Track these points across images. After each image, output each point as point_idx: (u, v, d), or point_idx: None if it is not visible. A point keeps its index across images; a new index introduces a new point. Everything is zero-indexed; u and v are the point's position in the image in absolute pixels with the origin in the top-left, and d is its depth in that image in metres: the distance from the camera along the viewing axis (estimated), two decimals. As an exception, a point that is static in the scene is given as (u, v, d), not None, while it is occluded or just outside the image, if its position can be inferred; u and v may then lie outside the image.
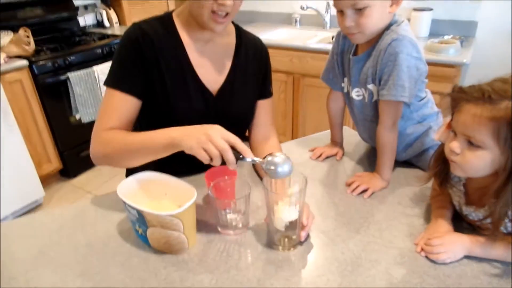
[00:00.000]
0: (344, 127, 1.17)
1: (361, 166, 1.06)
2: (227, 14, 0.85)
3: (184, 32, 0.94)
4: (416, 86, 0.89)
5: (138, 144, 0.83)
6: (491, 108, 0.59)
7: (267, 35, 2.69)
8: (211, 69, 0.97)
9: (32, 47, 2.35)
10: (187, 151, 0.73)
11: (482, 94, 0.61)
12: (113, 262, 0.74)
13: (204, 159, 0.71)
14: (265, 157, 0.74)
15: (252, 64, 1.02)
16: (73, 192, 2.53)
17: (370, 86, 0.93)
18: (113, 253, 0.76)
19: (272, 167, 0.71)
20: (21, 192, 2.22)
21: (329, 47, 2.33)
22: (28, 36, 2.37)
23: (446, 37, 2.18)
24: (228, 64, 0.99)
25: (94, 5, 3.12)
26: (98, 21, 3.12)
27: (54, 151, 2.48)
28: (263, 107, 1.07)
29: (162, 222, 0.71)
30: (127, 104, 0.89)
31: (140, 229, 0.75)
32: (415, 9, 2.36)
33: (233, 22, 1.02)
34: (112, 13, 3.05)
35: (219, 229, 0.81)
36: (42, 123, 2.37)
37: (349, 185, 0.95)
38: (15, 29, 2.41)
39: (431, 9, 2.33)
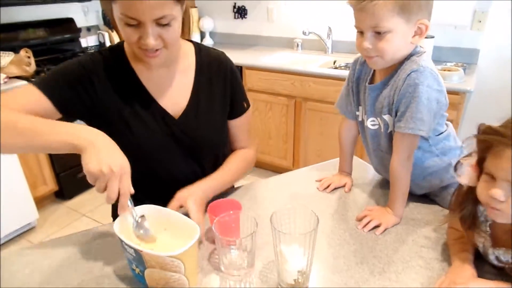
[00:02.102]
0: (354, 157, 1.13)
1: (372, 199, 1.01)
2: (157, 49, 0.81)
3: (134, 60, 0.91)
4: (435, 119, 0.86)
5: (29, 127, 0.73)
6: None
7: (269, 59, 2.70)
8: (170, 93, 0.94)
9: (32, 67, 2.34)
10: (84, 170, 0.68)
11: None
12: (108, 305, 0.68)
13: (98, 190, 0.68)
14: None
15: (217, 83, 0.98)
16: (67, 215, 2.46)
17: (386, 117, 0.90)
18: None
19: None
20: (14, 215, 2.15)
21: (330, 71, 2.37)
22: (29, 57, 2.37)
23: (448, 64, 2.18)
24: (189, 86, 0.95)
25: (97, 27, 3.13)
26: (100, 42, 3.12)
27: (50, 173, 2.42)
28: (237, 126, 1.05)
29: (161, 263, 0.65)
30: (39, 102, 0.82)
31: (137, 268, 0.70)
32: (417, 36, 2.37)
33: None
34: (114, 35, 3.06)
35: (222, 268, 0.75)
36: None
37: (359, 220, 0.90)
38: (16, 50, 2.41)
39: (432, 37, 2.34)
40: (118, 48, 0.92)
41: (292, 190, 1.06)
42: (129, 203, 0.71)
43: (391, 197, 0.90)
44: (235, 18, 3.20)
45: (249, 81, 2.63)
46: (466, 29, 2.31)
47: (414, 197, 0.97)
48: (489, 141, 0.60)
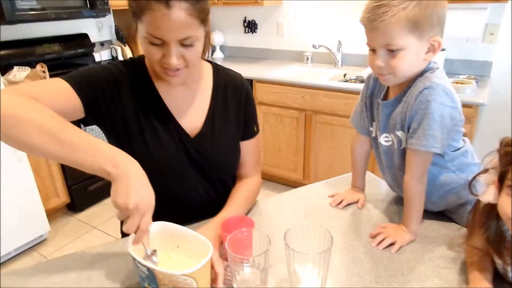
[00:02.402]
0: (367, 172, 1.12)
1: (386, 215, 0.99)
2: (178, 68, 0.81)
3: (155, 76, 0.91)
4: (449, 136, 0.84)
5: (70, 140, 0.67)
6: None
7: (279, 72, 2.71)
8: (188, 112, 0.94)
9: (47, 82, 2.39)
10: (111, 196, 0.66)
11: None
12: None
13: (118, 217, 0.67)
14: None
15: (233, 105, 0.99)
16: (79, 228, 2.47)
17: (399, 133, 0.89)
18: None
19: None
20: (26, 227, 2.17)
21: (340, 85, 2.37)
22: (44, 71, 2.42)
23: (460, 77, 2.16)
24: (205, 106, 0.96)
25: (110, 42, 3.20)
26: (113, 57, 3.18)
27: (62, 185, 2.45)
28: (245, 148, 1.03)
29: (174, 282, 0.65)
30: (69, 100, 0.79)
31: (149, 286, 0.69)
32: (428, 49, 2.36)
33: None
34: (127, 49, 3.12)
35: (235, 286, 0.74)
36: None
37: (373, 237, 0.89)
38: (32, 65, 2.47)
39: (444, 49, 2.33)
40: (139, 62, 0.92)
41: (304, 205, 1.05)
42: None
43: (405, 214, 0.89)
44: (245, 32, 3.24)
45: (260, 94, 2.64)
46: (477, 42, 2.29)
47: (429, 214, 0.95)
48: (508, 154, 0.59)
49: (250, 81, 2.64)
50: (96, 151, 0.68)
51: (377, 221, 0.97)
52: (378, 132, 0.95)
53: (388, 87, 0.93)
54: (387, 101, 0.91)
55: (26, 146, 0.66)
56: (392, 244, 0.86)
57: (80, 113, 0.83)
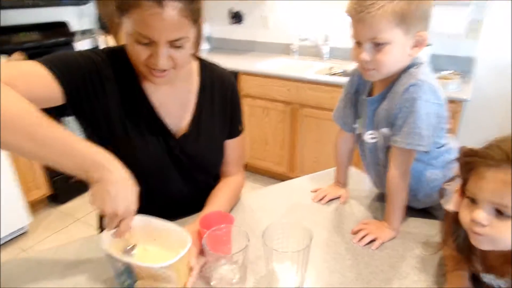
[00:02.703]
0: (351, 167, 1.11)
1: (369, 211, 0.99)
2: (165, 69, 0.77)
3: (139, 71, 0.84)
4: (435, 133, 0.83)
5: (46, 135, 0.61)
6: None
7: (265, 65, 2.68)
8: (173, 110, 0.89)
9: (25, 71, 2.31)
10: (92, 195, 0.64)
11: (507, 157, 0.54)
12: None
13: (108, 227, 0.66)
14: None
15: (219, 103, 0.95)
16: (61, 219, 2.42)
17: (385, 130, 0.88)
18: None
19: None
20: (6, 219, 2.11)
21: (326, 78, 2.36)
22: (23, 59, 2.33)
23: (445, 72, 2.17)
24: (191, 106, 0.92)
25: (91, 31, 3.11)
26: (95, 46, 3.10)
27: (44, 177, 2.39)
28: (230, 147, 1.01)
29: (153, 275, 0.63)
30: (48, 86, 0.72)
31: (126, 281, 0.67)
32: (414, 44, 2.37)
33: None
34: (110, 39, 3.03)
35: (213, 283, 0.73)
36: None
37: (355, 233, 0.88)
38: (10, 53, 2.38)
39: (429, 44, 2.34)
40: (122, 53, 0.83)
41: (287, 201, 1.04)
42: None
43: (387, 210, 0.89)
44: (231, 23, 3.19)
45: (246, 86, 2.61)
46: (461, 38, 2.31)
47: (413, 210, 0.95)
48: (471, 163, 0.58)
49: (236, 74, 2.60)
50: (74, 151, 0.63)
51: (360, 217, 0.96)
52: (364, 130, 0.94)
53: (372, 84, 0.92)
54: (372, 97, 0.90)
55: None
56: (373, 240, 0.85)
57: (58, 101, 0.75)
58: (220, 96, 0.96)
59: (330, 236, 0.89)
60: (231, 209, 0.99)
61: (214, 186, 0.99)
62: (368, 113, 0.91)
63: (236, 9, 3.12)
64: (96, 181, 0.63)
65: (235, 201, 1.02)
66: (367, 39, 0.78)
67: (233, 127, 1.00)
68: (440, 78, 2.02)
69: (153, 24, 0.70)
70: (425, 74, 0.81)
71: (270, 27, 3.02)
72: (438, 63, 2.38)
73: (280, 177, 2.71)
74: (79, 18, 3.03)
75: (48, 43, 2.77)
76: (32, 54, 2.63)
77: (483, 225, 0.56)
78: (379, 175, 0.97)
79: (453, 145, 0.92)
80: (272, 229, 0.67)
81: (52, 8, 2.82)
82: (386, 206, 0.89)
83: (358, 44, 0.81)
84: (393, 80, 0.85)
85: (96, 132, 0.85)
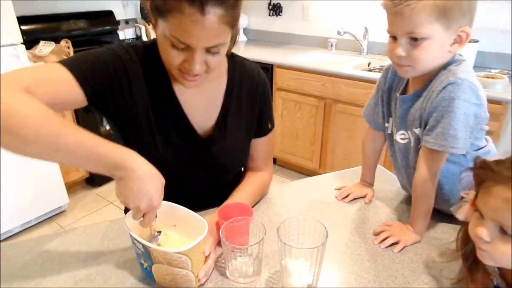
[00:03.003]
0: (378, 166, 1.07)
1: (394, 213, 0.95)
2: (197, 74, 0.74)
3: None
4: (472, 135, 0.78)
5: (67, 143, 0.60)
6: None
7: (301, 58, 2.65)
8: (201, 110, 0.88)
9: (71, 58, 2.43)
10: (117, 195, 0.66)
11: None
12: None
13: (133, 217, 0.68)
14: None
15: (247, 102, 0.92)
16: (96, 201, 2.55)
17: (417, 131, 0.83)
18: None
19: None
20: (46, 198, 2.26)
21: (363, 74, 2.29)
22: (68, 47, 2.46)
23: (492, 71, 2.04)
24: (218, 106, 0.89)
25: (135, 20, 3.21)
26: (137, 35, 3.20)
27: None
28: (259, 145, 0.99)
29: (169, 259, 0.65)
30: (70, 91, 0.71)
31: (145, 263, 0.70)
32: (460, 40, 2.23)
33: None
34: (151, 28, 3.12)
35: (228, 274, 0.74)
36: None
37: (376, 234, 0.86)
38: (58, 40, 2.51)
39: (477, 41, 2.19)
40: (154, 50, 0.80)
41: (310, 197, 1.03)
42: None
43: (412, 213, 0.85)
44: (270, 15, 3.17)
45: (280, 80, 2.59)
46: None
47: (442, 215, 0.90)
48: (482, 176, 0.55)
49: (271, 66, 2.59)
50: (96, 155, 0.62)
51: (384, 218, 0.93)
52: (395, 129, 0.90)
53: (408, 81, 0.87)
54: (406, 95, 0.85)
55: (21, 152, 0.60)
56: (396, 243, 0.82)
57: (82, 103, 0.75)
58: (249, 94, 0.93)
59: (350, 236, 0.87)
60: (255, 204, 0.99)
61: (235, 183, 0.98)
62: (401, 112, 0.86)
63: (275, 1, 3.09)
64: (119, 179, 0.64)
65: (260, 196, 1.00)
66: (404, 34, 0.74)
67: (262, 126, 0.98)
68: (486, 77, 1.89)
69: (192, 31, 0.67)
70: (465, 72, 0.75)
71: (308, 19, 2.96)
72: (485, 61, 2.24)
73: (310, 173, 2.68)
74: (123, 8, 3.14)
75: (94, 31, 2.91)
76: (79, 41, 2.77)
77: (485, 241, 0.54)
78: (409, 177, 0.92)
79: (492, 148, 0.86)
80: (288, 225, 0.66)
81: (99, -3, 2.94)
82: (411, 209, 0.86)
83: (394, 38, 0.77)
84: (430, 78, 0.80)
85: (122, 130, 0.86)
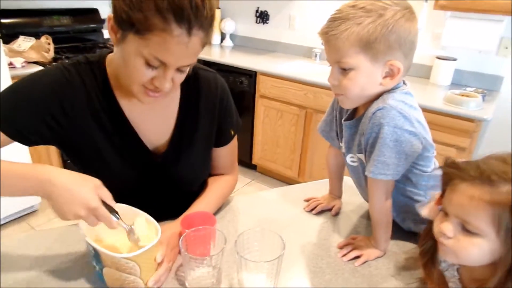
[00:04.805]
0: (347, 178, 1.08)
1: (359, 227, 0.96)
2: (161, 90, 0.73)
3: (117, 85, 0.79)
4: (407, 162, 0.77)
5: None
6: (491, 191, 0.52)
7: (285, 67, 2.66)
8: (152, 126, 0.84)
9: (51, 54, 2.39)
10: (58, 216, 0.63)
11: (480, 174, 0.53)
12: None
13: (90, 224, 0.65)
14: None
15: (205, 112, 0.89)
16: (70, 202, 2.49)
17: (360, 156, 0.83)
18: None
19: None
20: (17, 197, 2.19)
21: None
22: (49, 43, 2.42)
23: (468, 89, 2.09)
24: (172, 118, 0.86)
25: (120, 20, 3.17)
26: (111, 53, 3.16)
27: (58, 159, 2.46)
28: (221, 154, 0.98)
29: (117, 264, 0.64)
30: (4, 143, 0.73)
31: (97, 266, 0.69)
32: (439, 57, 2.29)
33: None
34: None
35: (187, 284, 0.73)
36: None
37: (341, 247, 0.86)
38: (39, 36, 2.47)
39: (455, 59, 2.25)
40: (99, 66, 0.79)
41: (279, 207, 1.03)
42: (114, 218, 0.66)
43: (374, 234, 0.85)
44: (256, 22, 3.18)
45: (263, 87, 2.60)
46: (491, 55, 2.21)
47: (401, 231, 0.91)
48: (447, 173, 0.58)
49: (255, 73, 2.60)
50: (17, 179, 0.63)
51: (349, 232, 0.94)
52: (345, 151, 0.90)
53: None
54: (350, 121, 0.85)
55: None
56: (358, 256, 0.83)
57: (7, 141, 0.74)
58: (206, 107, 0.89)
59: (313, 248, 0.87)
60: (219, 208, 0.98)
61: (200, 190, 0.96)
62: (346, 137, 0.86)
63: (262, 8, 3.11)
64: (47, 198, 0.63)
65: (224, 200, 1.00)
66: (333, 62, 0.75)
67: (223, 135, 0.95)
68: (461, 95, 1.94)
69: (175, 52, 0.66)
70: (396, 99, 0.74)
71: (295, 28, 2.99)
72: (463, 79, 2.30)
73: (289, 181, 2.69)
74: (109, 6, 3.09)
75: (78, 28, 2.86)
76: (62, 38, 2.72)
77: (449, 237, 0.57)
78: (365, 195, 0.93)
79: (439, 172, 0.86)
80: (246, 237, 0.66)
81: (84, -6, 2.90)
82: (372, 229, 0.86)
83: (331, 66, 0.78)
84: (368, 106, 0.79)
85: (75, 155, 0.83)
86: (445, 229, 0.57)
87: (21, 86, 0.74)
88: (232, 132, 0.98)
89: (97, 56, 0.81)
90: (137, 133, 0.83)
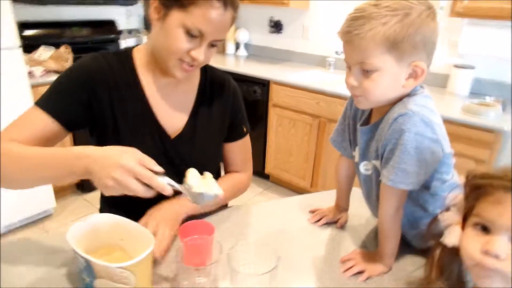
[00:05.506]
0: (355, 189, 1.05)
1: (365, 241, 0.92)
2: (193, 64, 0.82)
3: (144, 70, 0.89)
4: (428, 170, 0.74)
5: (36, 158, 0.71)
6: None
7: (298, 76, 2.65)
8: (171, 111, 0.92)
9: (70, 64, 2.46)
10: (101, 190, 0.66)
11: None
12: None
13: (133, 192, 0.64)
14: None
15: (218, 106, 0.97)
16: (84, 207, 2.54)
17: (376, 163, 0.80)
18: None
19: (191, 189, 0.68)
20: (33, 201, 2.24)
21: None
22: (68, 53, 2.49)
23: (487, 98, 2.02)
24: (189, 106, 0.94)
25: (137, 30, 3.25)
26: (138, 45, 3.23)
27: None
28: (233, 149, 1.03)
29: (111, 274, 0.63)
30: (46, 127, 0.80)
31: (87, 278, 0.68)
32: (456, 66, 2.23)
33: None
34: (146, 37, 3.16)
35: (182, 295, 0.72)
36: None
37: (343, 262, 0.83)
38: (59, 46, 2.55)
39: (473, 67, 2.19)
40: (126, 55, 0.90)
41: (283, 218, 1.00)
42: (165, 180, 0.67)
43: (380, 246, 0.82)
44: (270, 32, 3.20)
45: (276, 96, 2.60)
46: (510, 62, 2.13)
47: (410, 247, 0.87)
48: (484, 187, 0.50)
49: (268, 82, 2.60)
50: (55, 160, 0.69)
51: (354, 246, 0.90)
52: (359, 159, 0.87)
53: (371, 111, 0.84)
54: (367, 126, 0.82)
55: (11, 184, 0.75)
56: (362, 272, 0.80)
57: (64, 134, 0.84)
58: (220, 100, 0.97)
59: (316, 262, 0.84)
60: (222, 216, 0.97)
61: None
62: (362, 143, 0.83)
63: (276, 18, 3.12)
64: (87, 173, 0.65)
65: (237, 192, 1.03)
66: (355, 63, 0.71)
67: (235, 130, 1.02)
68: (480, 104, 1.88)
69: (214, 22, 0.77)
70: (419, 104, 0.71)
71: (308, 38, 2.99)
72: (481, 88, 2.23)
73: (301, 191, 2.66)
74: (127, 18, 3.19)
75: (96, 39, 2.95)
76: (80, 48, 2.81)
77: (499, 258, 0.47)
78: (374, 209, 0.90)
79: (457, 181, 0.82)
80: (240, 249, 0.64)
81: (103, 6, 3.00)
82: (378, 242, 0.83)
83: (349, 68, 0.74)
84: (388, 110, 0.76)
85: (98, 135, 0.90)
86: (496, 249, 0.47)
87: (63, 75, 0.86)
88: (245, 129, 1.04)
89: (123, 49, 0.93)
90: (155, 115, 0.90)
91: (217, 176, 1.04)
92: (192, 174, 0.72)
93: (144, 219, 0.82)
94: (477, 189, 0.52)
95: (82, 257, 0.64)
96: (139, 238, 0.69)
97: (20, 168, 0.72)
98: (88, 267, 0.64)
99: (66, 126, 0.83)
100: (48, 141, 0.81)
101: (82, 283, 0.70)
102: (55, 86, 0.85)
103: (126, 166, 0.63)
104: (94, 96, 0.85)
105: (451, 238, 0.57)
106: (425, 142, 0.70)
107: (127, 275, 0.63)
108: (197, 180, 0.71)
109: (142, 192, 0.64)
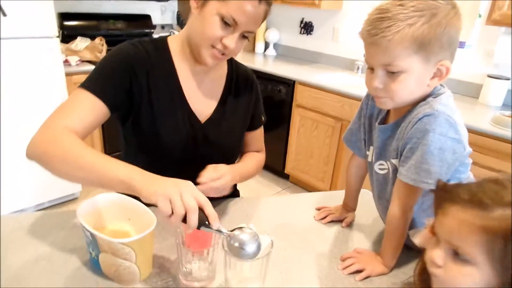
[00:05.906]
0: (365, 191, 1.04)
1: (368, 242, 0.92)
2: (224, 53, 0.87)
3: (178, 58, 0.94)
4: (449, 170, 0.73)
5: (89, 163, 0.72)
6: (482, 216, 0.46)
7: (324, 77, 2.63)
8: (201, 97, 0.97)
9: (103, 55, 2.57)
10: (145, 198, 0.65)
11: (472, 196, 0.48)
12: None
13: (165, 211, 0.62)
14: (233, 230, 0.66)
15: (244, 96, 1.03)
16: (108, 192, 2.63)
17: (395, 161, 0.79)
18: (63, 273, 0.73)
19: (237, 244, 0.63)
20: (61, 184, 2.36)
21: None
22: (102, 45, 2.61)
23: (521, 111, 1.93)
24: (218, 94, 1.00)
25: (171, 26, 3.35)
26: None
27: (101, 150, 2.63)
28: (253, 137, 1.10)
29: (113, 249, 0.67)
30: (95, 108, 0.82)
31: (93, 252, 0.72)
32: (490, 76, 2.14)
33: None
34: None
35: (180, 277, 0.74)
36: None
37: (343, 260, 0.83)
38: (94, 38, 2.67)
39: (508, 78, 2.09)
40: (162, 43, 0.93)
41: (289, 213, 1.01)
42: (214, 228, 0.66)
43: (383, 245, 0.81)
44: (301, 33, 3.19)
45: (300, 96, 2.60)
46: (550, 76, 2.03)
47: (411, 251, 0.84)
48: (440, 198, 0.53)
49: (293, 82, 2.60)
50: (108, 166, 0.71)
51: (356, 245, 0.90)
52: (374, 159, 0.86)
53: (389, 110, 0.84)
54: (386, 125, 0.82)
55: (58, 174, 0.75)
56: (360, 271, 0.79)
57: (107, 116, 0.86)
58: (245, 90, 1.04)
59: (317, 258, 0.84)
60: (229, 209, 0.99)
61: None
62: (379, 142, 0.83)
63: (307, 19, 3.12)
64: (138, 188, 0.66)
65: (258, 169, 1.09)
66: (380, 65, 0.70)
67: (256, 120, 1.09)
68: (510, 116, 1.79)
69: (248, 13, 0.81)
70: (443, 104, 0.71)
71: (338, 40, 2.96)
72: (516, 101, 2.12)
73: (320, 193, 2.64)
74: (162, 13, 3.29)
75: (131, 32, 3.06)
76: (115, 41, 2.92)
77: (438, 265, 0.51)
78: (383, 210, 0.88)
79: (472, 179, 0.80)
80: (237, 233, 0.66)
81: (140, 1, 3.10)
82: (383, 240, 0.82)
83: (371, 69, 0.74)
84: (409, 108, 0.76)
85: (131, 120, 0.92)
86: (435, 257, 0.51)
87: (106, 60, 0.89)
88: (263, 118, 1.12)
89: (158, 37, 0.97)
90: (187, 101, 0.94)
91: (234, 160, 1.08)
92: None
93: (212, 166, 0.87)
94: (438, 199, 0.54)
95: (88, 231, 0.68)
96: (144, 218, 0.73)
97: (69, 162, 0.73)
98: (94, 241, 0.68)
99: (111, 108, 0.85)
100: (95, 122, 0.84)
101: (89, 256, 0.75)
102: (99, 70, 0.87)
103: (181, 188, 0.64)
104: (136, 82, 0.88)
105: (415, 238, 0.59)
106: (448, 142, 0.70)
107: (128, 251, 0.66)
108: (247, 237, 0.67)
109: (179, 217, 0.63)
